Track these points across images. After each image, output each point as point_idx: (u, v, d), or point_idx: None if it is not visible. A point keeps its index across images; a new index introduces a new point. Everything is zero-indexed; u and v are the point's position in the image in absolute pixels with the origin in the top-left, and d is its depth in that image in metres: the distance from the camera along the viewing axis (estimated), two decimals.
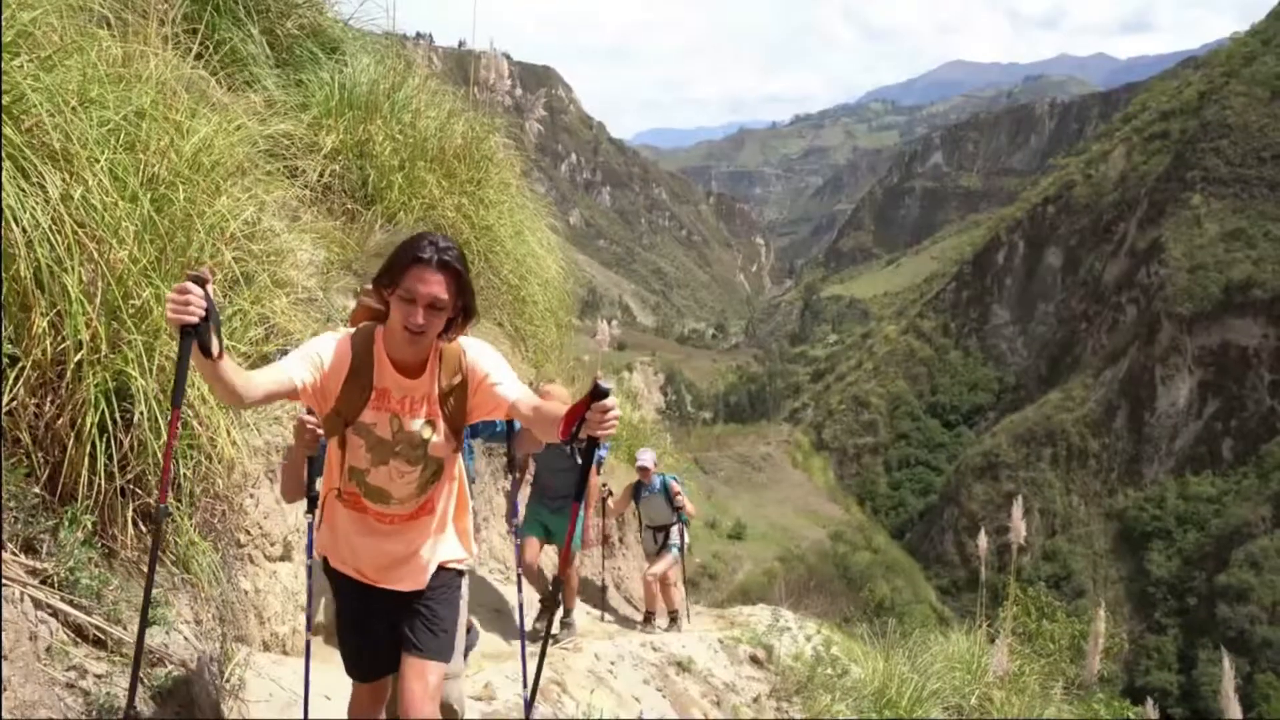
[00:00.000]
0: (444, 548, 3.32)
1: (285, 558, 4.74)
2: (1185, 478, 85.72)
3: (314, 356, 2.97)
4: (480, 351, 3.15)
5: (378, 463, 3.08)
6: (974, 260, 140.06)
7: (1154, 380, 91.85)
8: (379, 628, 3.25)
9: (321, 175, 6.09)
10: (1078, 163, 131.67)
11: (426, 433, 3.06)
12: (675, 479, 8.86)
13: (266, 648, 4.42)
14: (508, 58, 8.54)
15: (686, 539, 8.93)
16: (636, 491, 8.66)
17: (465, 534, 3.42)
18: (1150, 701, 5.21)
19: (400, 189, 6.48)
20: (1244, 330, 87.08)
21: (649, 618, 8.49)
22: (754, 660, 7.55)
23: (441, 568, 3.30)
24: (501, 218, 7.65)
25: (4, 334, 3.03)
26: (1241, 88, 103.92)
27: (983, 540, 9.19)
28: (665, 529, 8.68)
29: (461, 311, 3.04)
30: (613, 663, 6.31)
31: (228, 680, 3.67)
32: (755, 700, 6.91)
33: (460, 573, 3.43)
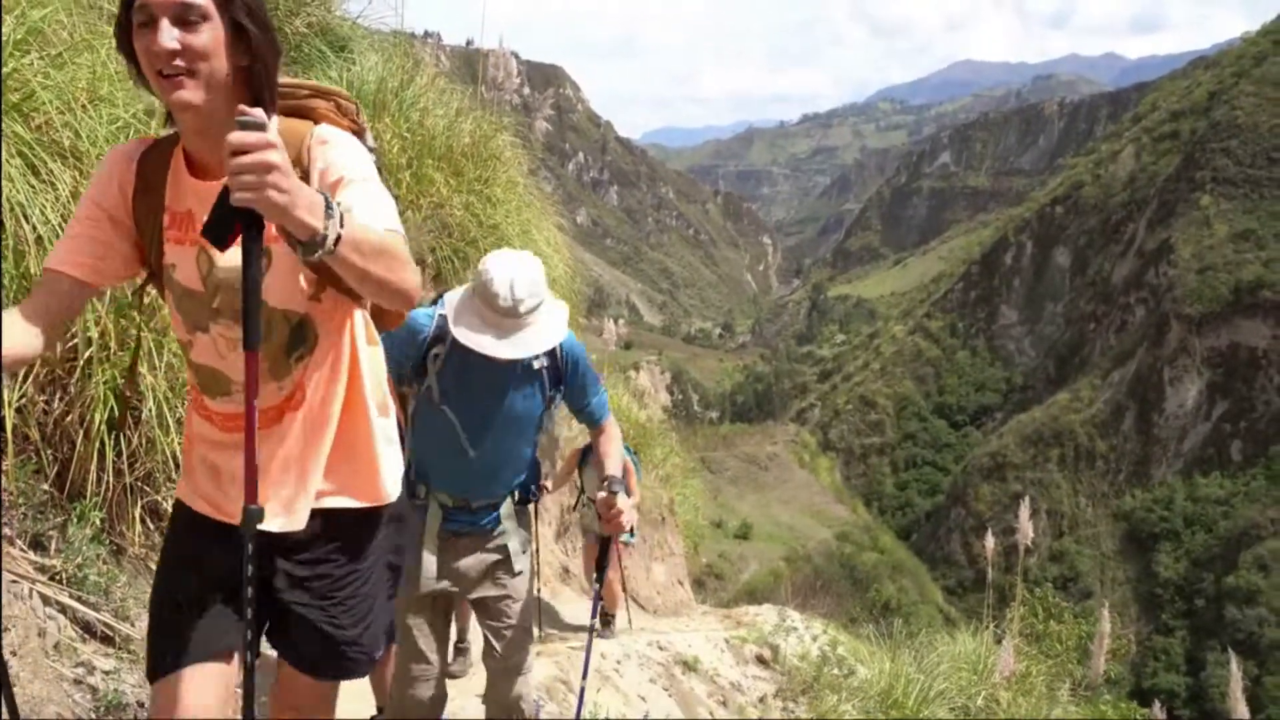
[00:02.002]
0: (341, 474, 2.19)
1: None
2: (1194, 479, 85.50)
3: (88, 204, 2.03)
4: (341, 145, 2.04)
5: (195, 328, 2.05)
6: (982, 260, 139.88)
7: (1162, 381, 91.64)
8: (213, 577, 2.08)
9: None
10: (1086, 163, 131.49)
11: None
12: (629, 451, 7.06)
13: None
14: (516, 56, 8.55)
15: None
16: (583, 457, 7.21)
17: (375, 456, 2.25)
18: (1158, 703, 5.21)
19: (408, 187, 6.48)
20: (1253, 331, 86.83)
21: (607, 620, 7.26)
22: (760, 660, 7.55)
23: (343, 514, 2.20)
24: (509, 216, 7.66)
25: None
26: (1251, 88, 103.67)
27: (989, 541, 9.19)
28: None
29: (248, 46, 1.90)
30: (619, 661, 6.31)
31: None
32: (761, 700, 6.90)
33: (374, 512, 2.26)
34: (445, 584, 3.39)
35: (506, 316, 3.03)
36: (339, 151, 2.01)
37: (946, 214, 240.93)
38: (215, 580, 2.08)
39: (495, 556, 3.44)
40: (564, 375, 3.37)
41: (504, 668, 3.46)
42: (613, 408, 12.14)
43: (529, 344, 3.08)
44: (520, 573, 3.52)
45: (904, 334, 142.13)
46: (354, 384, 2.21)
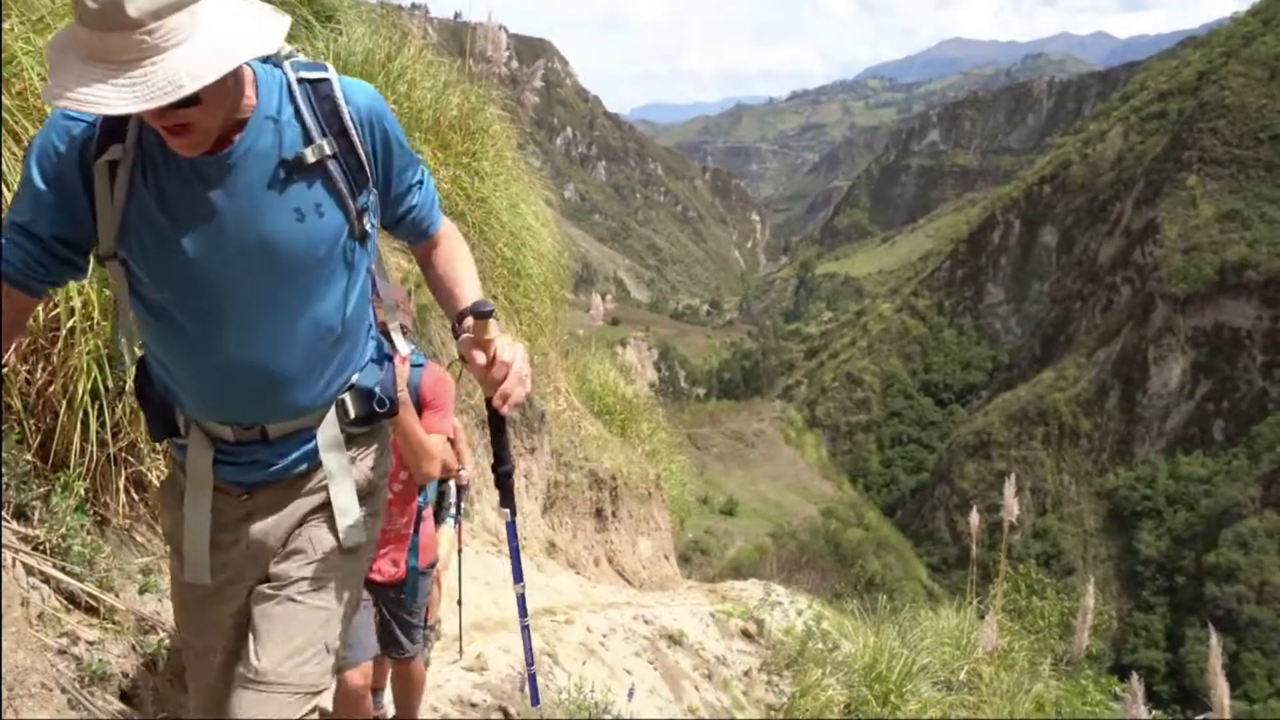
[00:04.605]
0: None
1: None
2: (1176, 458, 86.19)
3: None
4: None
5: None
6: (969, 239, 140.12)
7: (1147, 360, 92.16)
8: None
9: None
10: (1075, 142, 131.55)
11: None
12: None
13: None
14: (504, 30, 8.50)
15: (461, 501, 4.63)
16: None
17: None
18: (1136, 678, 5.24)
19: None
20: (1237, 311, 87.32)
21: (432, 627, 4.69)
22: (745, 634, 7.59)
23: None
24: (497, 190, 7.62)
25: None
26: (1240, 68, 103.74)
27: (974, 518, 9.22)
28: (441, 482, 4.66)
29: None
30: (604, 635, 6.34)
31: None
32: (746, 674, 6.95)
33: None
34: (227, 577, 2.11)
35: (112, 31, 1.57)
36: None
37: (935, 192, 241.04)
38: None
39: (310, 510, 2.12)
40: (372, 163, 1.99)
41: (259, 683, 1.97)
42: (600, 384, 12.08)
43: (168, 78, 1.58)
44: (353, 547, 2.14)
45: (891, 312, 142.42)
46: None
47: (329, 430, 2.07)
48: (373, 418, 2.15)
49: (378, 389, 2.13)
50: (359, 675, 3.30)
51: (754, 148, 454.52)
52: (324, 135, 1.90)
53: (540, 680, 5.13)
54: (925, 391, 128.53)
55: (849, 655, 7.09)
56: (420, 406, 3.35)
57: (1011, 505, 8.02)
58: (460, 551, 5.01)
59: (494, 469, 2.13)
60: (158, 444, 2.22)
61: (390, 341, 2.30)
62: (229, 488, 2.07)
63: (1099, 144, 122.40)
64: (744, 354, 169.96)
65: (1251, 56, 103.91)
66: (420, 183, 2.14)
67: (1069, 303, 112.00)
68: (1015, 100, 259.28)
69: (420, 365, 3.42)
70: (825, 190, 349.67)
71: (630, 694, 5.16)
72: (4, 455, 2.97)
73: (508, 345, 1.95)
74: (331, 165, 1.91)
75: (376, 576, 3.46)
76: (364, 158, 1.95)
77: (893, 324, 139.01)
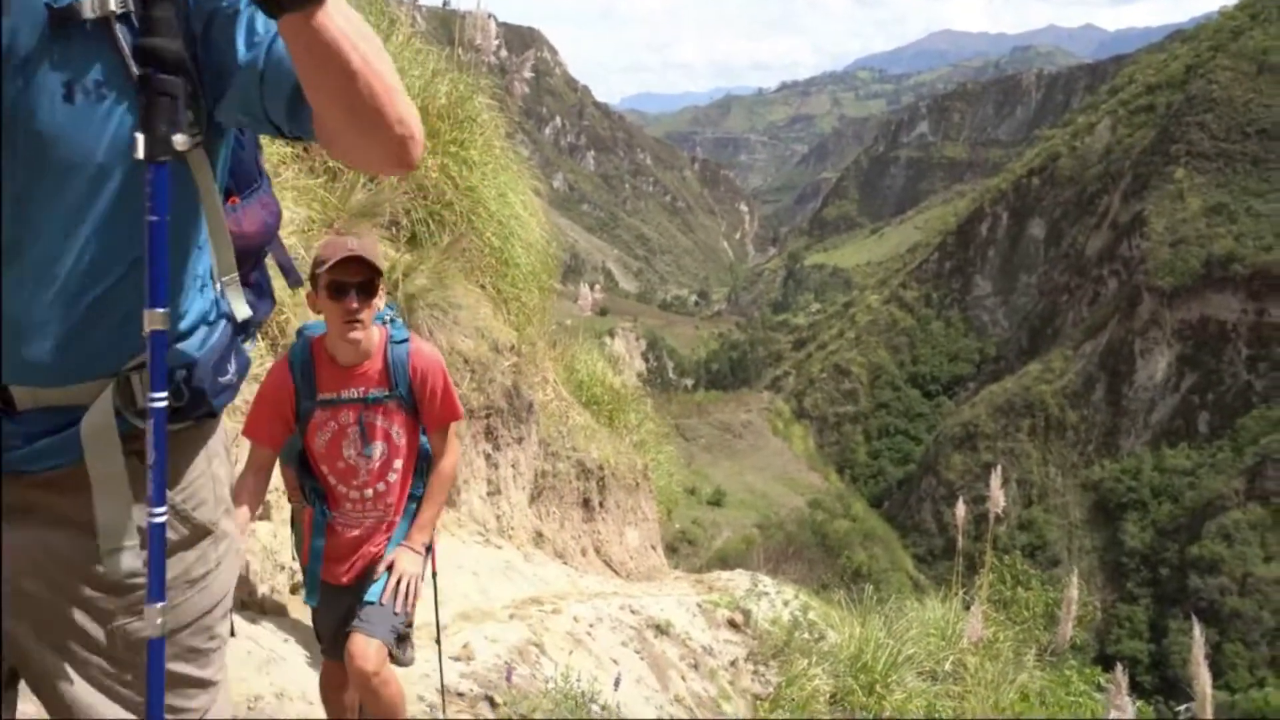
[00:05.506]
0: None
1: (264, 517, 4.73)
2: (1161, 450, 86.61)
3: None
4: None
5: None
6: (957, 231, 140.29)
7: (1133, 353, 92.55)
8: None
9: None
10: (1063, 135, 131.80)
11: None
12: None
13: (244, 606, 4.42)
14: (493, 18, 8.47)
15: None
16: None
17: None
18: (1120, 668, 5.27)
19: None
20: (1223, 305, 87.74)
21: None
22: (732, 624, 7.61)
23: None
24: (485, 179, 7.59)
25: None
26: (1228, 62, 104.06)
27: (960, 509, 9.24)
28: None
29: None
30: (591, 625, 6.34)
31: None
32: (732, 663, 6.96)
33: None
34: None
35: None
36: None
37: (923, 184, 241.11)
38: None
39: (69, 545, 1.45)
40: (189, 44, 1.37)
41: None
42: (588, 374, 12.12)
43: None
44: (130, 586, 1.46)
45: (879, 303, 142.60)
46: None
47: (98, 417, 1.40)
48: (174, 414, 1.45)
49: (195, 364, 1.49)
50: (338, 666, 3.11)
51: (743, 138, 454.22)
52: None
53: (527, 670, 5.14)
54: (912, 383, 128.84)
55: (835, 645, 7.11)
56: (414, 390, 2.94)
57: (997, 497, 8.04)
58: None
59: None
60: None
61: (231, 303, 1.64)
62: None
63: (1087, 137, 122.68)
64: (732, 345, 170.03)
65: (1239, 51, 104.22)
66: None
67: (1056, 295, 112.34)
68: (1004, 92, 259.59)
69: (405, 340, 2.99)
70: (814, 181, 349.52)
71: (617, 683, 5.17)
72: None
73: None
74: (120, 31, 1.31)
75: (344, 579, 3.06)
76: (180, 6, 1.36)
77: (880, 316, 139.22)
